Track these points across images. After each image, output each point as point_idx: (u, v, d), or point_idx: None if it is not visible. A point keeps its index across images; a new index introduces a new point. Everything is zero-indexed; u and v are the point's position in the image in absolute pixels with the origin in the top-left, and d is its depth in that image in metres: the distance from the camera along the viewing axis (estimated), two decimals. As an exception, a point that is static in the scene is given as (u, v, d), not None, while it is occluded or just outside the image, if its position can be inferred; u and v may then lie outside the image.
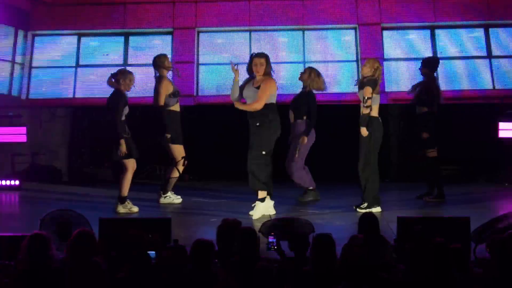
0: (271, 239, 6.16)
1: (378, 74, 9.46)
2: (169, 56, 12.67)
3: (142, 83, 12.15)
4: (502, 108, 11.80)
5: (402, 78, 12.73)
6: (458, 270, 5.44)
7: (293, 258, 5.93)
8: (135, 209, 9.63)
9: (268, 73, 9.28)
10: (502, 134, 11.73)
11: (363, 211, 9.13)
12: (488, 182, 11.73)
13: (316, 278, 5.37)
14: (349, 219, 9.05)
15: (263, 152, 9.22)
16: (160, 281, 5.37)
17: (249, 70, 9.38)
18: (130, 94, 9.85)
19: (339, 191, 9.94)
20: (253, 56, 9.37)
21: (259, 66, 9.22)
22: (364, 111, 9.34)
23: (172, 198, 10.22)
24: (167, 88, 10.06)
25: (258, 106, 9.19)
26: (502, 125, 11.71)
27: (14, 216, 9.49)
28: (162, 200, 10.22)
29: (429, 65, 10.40)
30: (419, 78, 11.71)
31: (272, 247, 6.11)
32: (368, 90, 9.31)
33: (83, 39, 13.08)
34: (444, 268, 5.26)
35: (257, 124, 9.21)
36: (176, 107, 10.15)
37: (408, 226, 6.66)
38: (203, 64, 12.97)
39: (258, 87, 9.21)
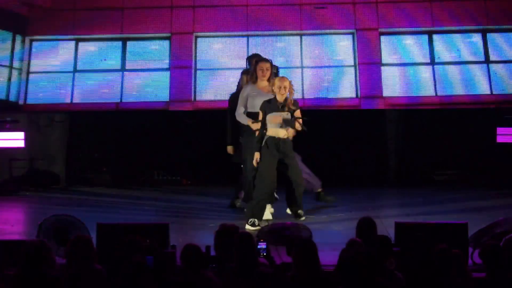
0: (261, 245, 6.15)
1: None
2: (167, 61, 12.74)
3: (139, 88, 12.18)
4: (499, 114, 11.84)
5: (399, 83, 12.74)
6: (457, 275, 5.44)
7: (291, 263, 5.92)
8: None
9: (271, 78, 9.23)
10: (500, 139, 11.76)
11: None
12: (486, 187, 11.72)
13: (313, 282, 5.37)
14: (346, 223, 9.06)
15: None
16: (154, 286, 5.36)
17: (253, 75, 9.29)
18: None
19: (337, 195, 9.94)
20: (258, 61, 9.29)
21: (265, 71, 9.17)
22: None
23: None
24: None
25: None
26: (500, 130, 11.74)
27: (12, 221, 9.48)
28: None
29: None
30: (416, 83, 11.78)
31: (262, 253, 6.10)
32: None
33: (80, 44, 13.08)
34: (445, 273, 5.27)
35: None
36: None
37: (406, 232, 6.67)
38: (200, 69, 12.97)
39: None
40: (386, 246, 6.00)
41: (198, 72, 12.97)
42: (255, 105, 9.12)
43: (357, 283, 5.25)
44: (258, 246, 6.13)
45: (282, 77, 9.02)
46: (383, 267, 5.76)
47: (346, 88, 12.37)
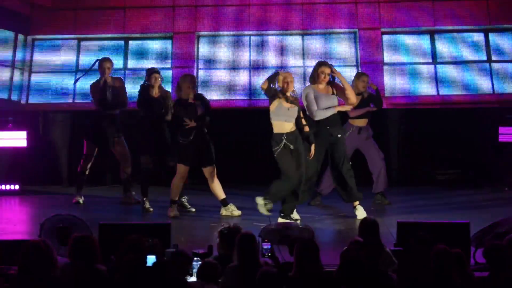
0: (265, 245, 6.16)
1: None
2: (169, 60, 12.75)
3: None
4: (501, 113, 11.84)
5: (401, 83, 12.73)
6: (458, 275, 5.44)
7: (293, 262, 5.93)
8: (173, 213, 9.68)
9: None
10: (502, 138, 11.76)
11: None
12: (488, 186, 11.73)
13: (312, 282, 5.38)
14: (348, 223, 9.07)
15: (350, 163, 9.53)
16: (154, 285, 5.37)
17: (313, 78, 9.54)
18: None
19: (338, 195, 9.93)
20: (320, 64, 9.50)
21: (327, 76, 9.45)
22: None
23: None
24: None
25: (354, 100, 9.51)
26: (502, 129, 11.74)
27: (14, 220, 9.50)
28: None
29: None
30: (418, 83, 11.76)
31: (267, 254, 6.11)
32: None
33: (82, 44, 13.09)
34: (445, 273, 5.27)
35: (339, 135, 9.43)
36: None
37: (409, 231, 6.68)
38: (202, 69, 12.97)
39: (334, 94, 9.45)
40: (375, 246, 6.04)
41: (200, 71, 12.97)
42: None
43: (358, 282, 5.26)
44: (263, 246, 6.15)
45: (287, 71, 9.35)
46: (384, 267, 5.78)
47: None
